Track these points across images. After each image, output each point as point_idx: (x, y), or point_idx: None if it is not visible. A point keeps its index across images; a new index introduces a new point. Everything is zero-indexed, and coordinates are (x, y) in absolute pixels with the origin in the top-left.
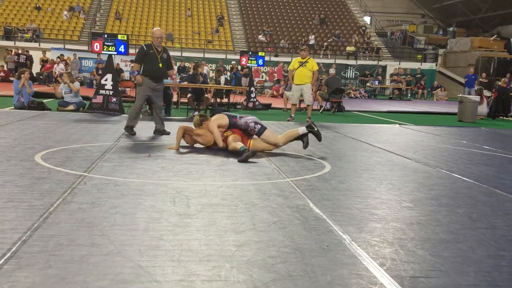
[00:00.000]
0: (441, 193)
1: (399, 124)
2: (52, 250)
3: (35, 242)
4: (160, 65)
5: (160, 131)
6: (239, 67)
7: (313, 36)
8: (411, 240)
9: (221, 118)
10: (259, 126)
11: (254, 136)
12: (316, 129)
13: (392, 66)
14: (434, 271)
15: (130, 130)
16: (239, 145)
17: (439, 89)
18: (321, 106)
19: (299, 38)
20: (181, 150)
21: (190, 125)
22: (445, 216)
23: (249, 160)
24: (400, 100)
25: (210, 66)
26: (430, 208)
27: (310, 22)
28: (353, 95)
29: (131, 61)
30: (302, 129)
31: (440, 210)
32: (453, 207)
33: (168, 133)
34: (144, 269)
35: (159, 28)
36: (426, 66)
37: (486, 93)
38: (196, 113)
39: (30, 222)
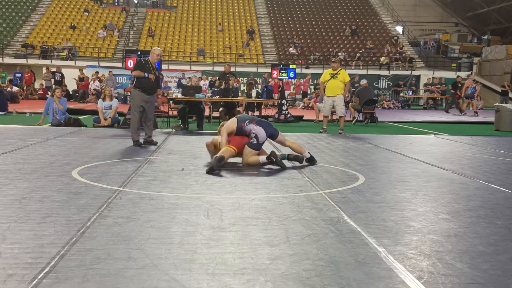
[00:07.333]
0: (479, 204)
1: (434, 134)
2: (89, 264)
3: (73, 256)
4: (153, 79)
5: (148, 141)
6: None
7: (341, 52)
8: (449, 253)
9: (231, 124)
10: (255, 142)
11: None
12: (275, 161)
13: (425, 75)
14: (473, 284)
15: (137, 143)
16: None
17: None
18: (353, 117)
19: (330, 50)
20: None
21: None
22: (483, 227)
23: (216, 167)
24: (434, 109)
25: (242, 80)
26: (468, 220)
27: (342, 34)
28: (386, 106)
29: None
30: (263, 158)
31: (478, 222)
32: (491, 218)
33: (156, 143)
34: (179, 283)
35: (159, 48)
36: (461, 75)
37: None
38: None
39: (68, 236)
